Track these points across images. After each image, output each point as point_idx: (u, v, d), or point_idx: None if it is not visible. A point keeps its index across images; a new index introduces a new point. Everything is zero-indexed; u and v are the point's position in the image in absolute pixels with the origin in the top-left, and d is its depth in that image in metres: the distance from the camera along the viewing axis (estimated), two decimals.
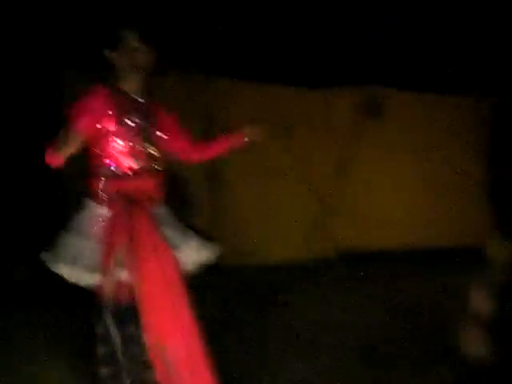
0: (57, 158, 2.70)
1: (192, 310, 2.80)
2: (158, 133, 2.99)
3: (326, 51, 7.33)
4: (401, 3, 7.58)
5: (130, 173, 2.86)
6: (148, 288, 2.71)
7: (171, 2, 6.77)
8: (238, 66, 6.79)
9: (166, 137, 3.02)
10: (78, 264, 2.71)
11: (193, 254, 2.95)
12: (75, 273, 2.71)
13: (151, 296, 2.72)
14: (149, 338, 2.70)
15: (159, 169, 2.97)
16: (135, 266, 2.71)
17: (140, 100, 2.94)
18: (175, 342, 2.76)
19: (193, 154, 3.21)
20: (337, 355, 3.86)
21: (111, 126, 2.82)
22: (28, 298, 5.10)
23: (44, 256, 2.72)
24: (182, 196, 6.22)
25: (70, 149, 2.69)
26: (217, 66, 6.66)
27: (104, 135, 2.81)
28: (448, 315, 3.79)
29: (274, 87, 6.77)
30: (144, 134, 2.91)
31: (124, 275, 2.70)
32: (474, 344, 2.53)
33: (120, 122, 2.84)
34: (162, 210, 2.97)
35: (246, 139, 3.16)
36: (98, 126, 2.77)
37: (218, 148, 3.23)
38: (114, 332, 2.71)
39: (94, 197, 2.85)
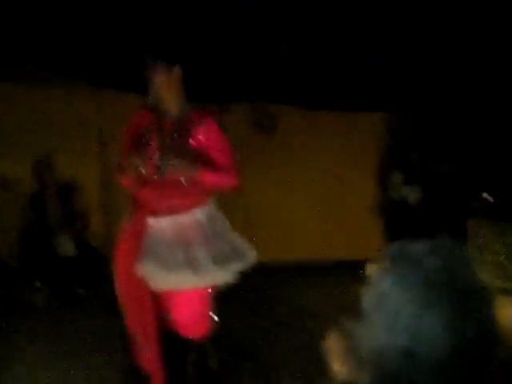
0: (125, 179, 3.22)
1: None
2: (189, 148, 3.26)
3: (221, 66, 7.41)
4: (299, 19, 7.79)
5: (144, 182, 3.23)
6: (118, 289, 3.27)
7: None
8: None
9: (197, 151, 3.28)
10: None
11: (226, 272, 3.25)
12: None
13: (120, 296, 3.28)
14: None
15: (188, 181, 3.23)
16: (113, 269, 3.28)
17: (174, 117, 3.31)
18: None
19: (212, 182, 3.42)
20: None
21: (142, 141, 3.21)
22: None
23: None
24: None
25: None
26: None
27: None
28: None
29: None
30: (169, 150, 3.20)
31: None
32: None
33: (149, 138, 3.21)
34: (196, 221, 3.27)
35: None
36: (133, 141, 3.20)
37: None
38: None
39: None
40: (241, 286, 3.35)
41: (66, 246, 5.89)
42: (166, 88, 3.28)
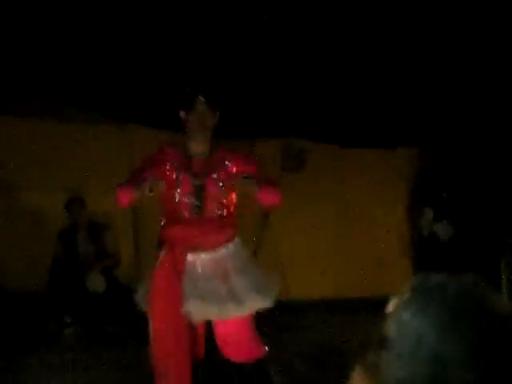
0: (128, 197, 3.20)
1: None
2: (217, 185, 3.37)
3: (251, 102, 7.50)
4: (322, 58, 7.88)
5: (178, 220, 3.34)
6: (153, 323, 3.30)
7: None
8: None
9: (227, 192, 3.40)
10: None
11: (252, 305, 3.34)
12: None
13: (155, 330, 3.30)
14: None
15: (217, 216, 3.37)
16: (149, 303, 3.33)
17: (203, 158, 3.41)
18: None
19: (261, 200, 3.45)
20: None
21: (170, 180, 3.30)
22: None
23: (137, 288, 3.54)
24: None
25: (138, 192, 3.14)
26: None
27: (166, 188, 3.27)
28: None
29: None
30: (196, 190, 3.33)
31: None
32: None
33: (177, 178, 3.32)
34: (229, 254, 3.40)
35: None
36: (159, 177, 3.24)
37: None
38: None
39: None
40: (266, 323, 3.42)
41: (97, 283, 5.93)
42: (204, 129, 3.39)
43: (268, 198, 3.39)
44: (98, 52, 7.34)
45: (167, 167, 3.36)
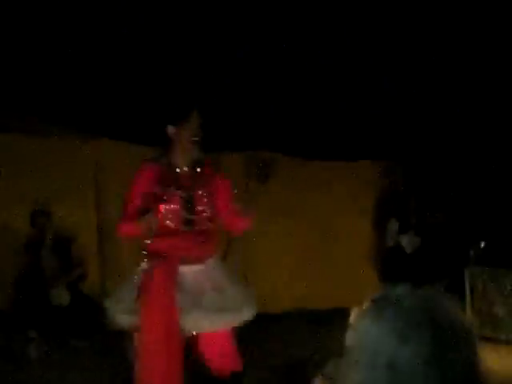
0: (133, 230, 3.35)
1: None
2: (204, 199, 3.45)
3: (215, 116, 7.52)
4: (288, 71, 7.95)
5: (167, 233, 3.34)
6: (146, 336, 3.26)
7: None
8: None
9: (214, 202, 3.49)
10: (122, 308, 3.38)
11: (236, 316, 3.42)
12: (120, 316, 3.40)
13: (147, 343, 3.27)
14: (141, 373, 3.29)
15: (205, 229, 3.44)
16: (141, 315, 3.26)
17: (189, 171, 3.47)
18: None
19: (228, 226, 3.65)
20: None
21: (155, 194, 3.34)
22: None
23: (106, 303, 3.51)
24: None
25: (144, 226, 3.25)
26: None
27: (151, 202, 3.32)
28: None
29: None
30: (184, 201, 3.37)
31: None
32: None
33: (163, 191, 3.35)
34: (216, 266, 3.50)
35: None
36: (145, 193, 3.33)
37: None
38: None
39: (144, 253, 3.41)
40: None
41: (62, 296, 5.86)
42: (195, 143, 3.44)
43: (241, 225, 3.58)
44: (61, 63, 7.30)
45: (155, 183, 3.40)
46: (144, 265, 3.40)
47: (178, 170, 3.47)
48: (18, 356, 5.36)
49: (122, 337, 3.67)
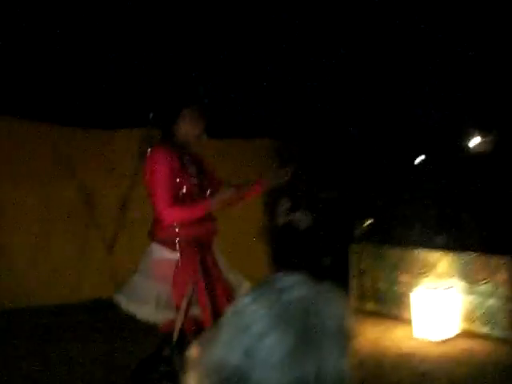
0: (191, 214, 3.24)
1: None
2: (211, 185, 3.40)
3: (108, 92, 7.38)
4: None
5: (200, 219, 3.27)
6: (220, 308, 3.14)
7: None
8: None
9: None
10: (148, 303, 3.14)
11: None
12: (143, 311, 3.14)
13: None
14: None
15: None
16: (212, 297, 3.19)
17: (194, 156, 3.38)
18: None
19: None
20: None
21: (183, 181, 3.23)
22: None
23: (116, 297, 3.17)
24: None
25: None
26: None
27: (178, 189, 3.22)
28: None
29: (49, 126, 6.70)
30: (198, 188, 3.31)
31: (196, 311, 3.16)
32: None
33: (187, 177, 3.26)
34: (216, 250, 3.44)
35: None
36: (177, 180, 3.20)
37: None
38: (177, 355, 3.08)
39: (165, 243, 3.23)
40: None
41: None
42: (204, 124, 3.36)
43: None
44: (22, 51, 6.97)
45: (178, 169, 3.26)
46: (166, 255, 3.25)
47: (184, 154, 3.34)
48: None
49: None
